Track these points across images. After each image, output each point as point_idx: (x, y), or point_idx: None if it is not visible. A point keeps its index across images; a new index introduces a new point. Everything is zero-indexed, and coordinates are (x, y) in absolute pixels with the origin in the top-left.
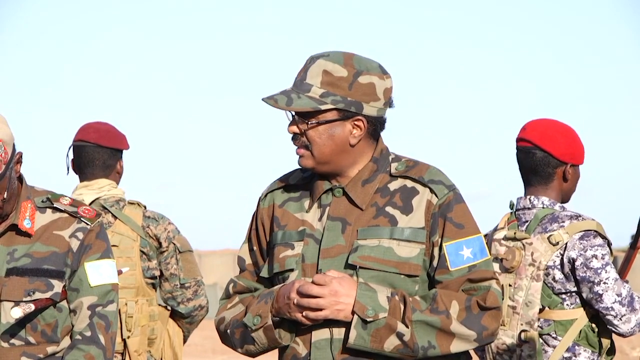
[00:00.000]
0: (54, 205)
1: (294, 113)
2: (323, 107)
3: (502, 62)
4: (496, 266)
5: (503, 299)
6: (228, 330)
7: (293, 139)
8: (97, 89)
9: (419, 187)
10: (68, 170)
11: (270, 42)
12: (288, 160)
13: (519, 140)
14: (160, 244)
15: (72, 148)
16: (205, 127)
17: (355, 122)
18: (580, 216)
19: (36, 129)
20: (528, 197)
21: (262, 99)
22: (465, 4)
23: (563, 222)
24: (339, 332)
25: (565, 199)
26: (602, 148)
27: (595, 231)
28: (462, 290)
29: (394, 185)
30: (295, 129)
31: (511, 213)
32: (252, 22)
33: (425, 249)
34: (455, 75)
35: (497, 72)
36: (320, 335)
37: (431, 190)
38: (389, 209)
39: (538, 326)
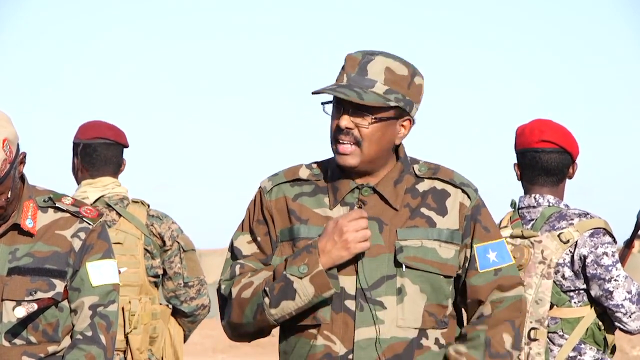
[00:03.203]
0: (56, 205)
1: (317, 107)
2: (391, 104)
3: (502, 62)
4: None
5: None
6: (266, 288)
7: (341, 133)
8: (97, 89)
9: (450, 188)
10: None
11: (271, 42)
12: (288, 160)
13: (538, 141)
14: (164, 242)
15: (82, 145)
16: (205, 127)
17: (403, 123)
18: (588, 214)
19: (36, 129)
20: (533, 195)
21: (330, 92)
22: (465, 4)
23: (572, 219)
24: (385, 331)
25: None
26: (602, 148)
27: (604, 229)
28: (491, 301)
29: (422, 186)
30: (350, 123)
31: (513, 211)
32: (252, 22)
33: (458, 250)
34: (455, 75)
35: (497, 72)
36: (364, 334)
37: (463, 192)
38: (424, 210)
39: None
